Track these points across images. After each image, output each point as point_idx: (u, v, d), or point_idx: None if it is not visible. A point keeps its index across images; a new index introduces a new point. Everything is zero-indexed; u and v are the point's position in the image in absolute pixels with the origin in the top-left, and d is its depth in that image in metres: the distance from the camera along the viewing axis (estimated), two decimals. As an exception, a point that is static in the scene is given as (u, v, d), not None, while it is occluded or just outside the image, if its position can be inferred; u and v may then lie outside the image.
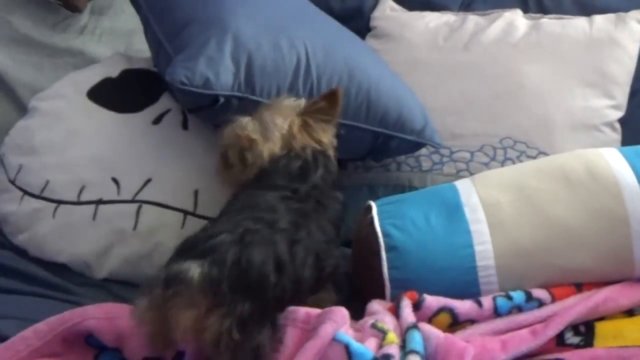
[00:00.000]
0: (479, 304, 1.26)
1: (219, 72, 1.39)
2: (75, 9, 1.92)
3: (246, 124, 1.34)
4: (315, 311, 1.16)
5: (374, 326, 1.18)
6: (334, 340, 1.10)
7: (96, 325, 1.22)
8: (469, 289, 1.29)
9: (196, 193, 1.50)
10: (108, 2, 1.99)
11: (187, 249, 1.13)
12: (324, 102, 1.37)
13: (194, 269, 1.08)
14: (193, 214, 1.49)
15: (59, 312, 1.27)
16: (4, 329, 1.27)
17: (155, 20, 1.55)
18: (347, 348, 1.09)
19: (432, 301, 1.26)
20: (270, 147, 1.31)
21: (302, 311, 1.16)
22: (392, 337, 1.16)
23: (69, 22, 1.94)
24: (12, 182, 1.58)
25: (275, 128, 1.33)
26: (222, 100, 1.40)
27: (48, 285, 1.45)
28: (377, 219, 1.34)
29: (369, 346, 1.12)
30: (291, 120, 1.34)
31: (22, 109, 1.81)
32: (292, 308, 1.16)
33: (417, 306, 1.25)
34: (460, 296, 1.28)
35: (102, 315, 1.23)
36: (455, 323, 1.26)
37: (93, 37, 1.95)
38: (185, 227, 1.48)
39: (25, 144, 1.60)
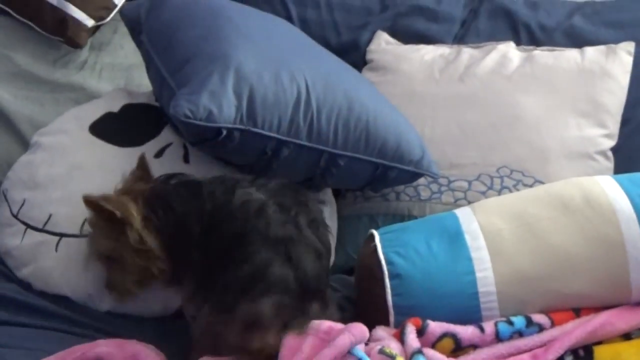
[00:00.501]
0: (481, 329, 1.29)
1: (221, 105, 1.41)
2: (77, 45, 1.94)
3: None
4: (338, 325, 1.20)
5: (381, 351, 1.21)
6: (349, 353, 1.15)
7: (107, 353, 1.25)
8: (471, 315, 1.32)
9: (199, 226, 1.51)
10: (107, 38, 2.01)
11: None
12: (140, 172, 1.42)
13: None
14: (196, 246, 1.50)
15: (67, 343, 1.31)
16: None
17: (157, 55, 1.57)
18: None
19: (436, 327, 1.28)
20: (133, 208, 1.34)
21: (326, 324, 1.21)
22: None
23: (69, 58, 1.96)
24: (15, 217, 1.58)
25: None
26: (224, 132, 1.42)
27: (54, 317, 1.46)
28: (380, 247, 1.37)
29: (379, 370, 1.16)
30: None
31: (23, 144, 1.83)
32: (317, 321, 1.21)
33: (421, 332, 1.28)
34: (463, 322, 1.30)
35: (112, 345, 1.27)
36: (458, 348, 1.28)
37: (93, 73, 1.96)
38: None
39: (29, 178, 1.61)
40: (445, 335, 1.28)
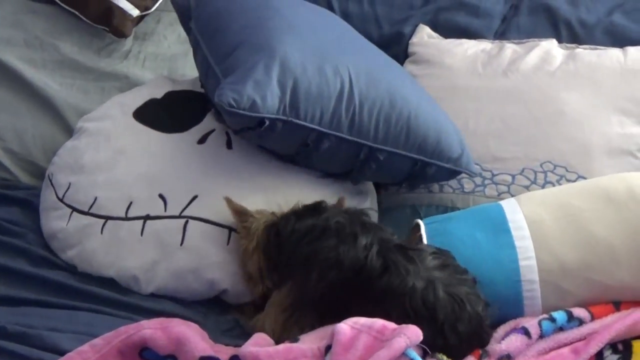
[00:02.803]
0: (527, 334, 1.29)
1: (265, 95, 1.42)
2: (122, 35, 1.95)
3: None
4: (391, 325, 1.20)
5: (434, 356, 1.22)
6: (403, 354, 1.14)
7: (151, 335, 1.24)
8: (513, 303, 1.35)
9: (240, 210, 1.52)
10: (151, 28, 2.02)
11: None
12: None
13: None
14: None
15: (112, 325, 1.31)
16: (60, 342, 1.30)
17: (205, 42, 1.58)
18: None
19: (492, 353, 1.28)
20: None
21: (380, 323, 1.20)
22: None
23: (113, 47, 1.97)
24: (61, 200, 1.61)
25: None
26: (267, 122, 1.43)
27: (98, 300, 1.47)
28: (426, 237, 1.39)
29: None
30: None
31: (68, 131, 1.84)
32: (371, 320, 1.21)
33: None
34: (504, 309, 1.32)
35: (156, 326, 1.27)
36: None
37: (137, 62, 1.97)
38: (231, 243, 1.51)
39: (74, 163, 1.64)
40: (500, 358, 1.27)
